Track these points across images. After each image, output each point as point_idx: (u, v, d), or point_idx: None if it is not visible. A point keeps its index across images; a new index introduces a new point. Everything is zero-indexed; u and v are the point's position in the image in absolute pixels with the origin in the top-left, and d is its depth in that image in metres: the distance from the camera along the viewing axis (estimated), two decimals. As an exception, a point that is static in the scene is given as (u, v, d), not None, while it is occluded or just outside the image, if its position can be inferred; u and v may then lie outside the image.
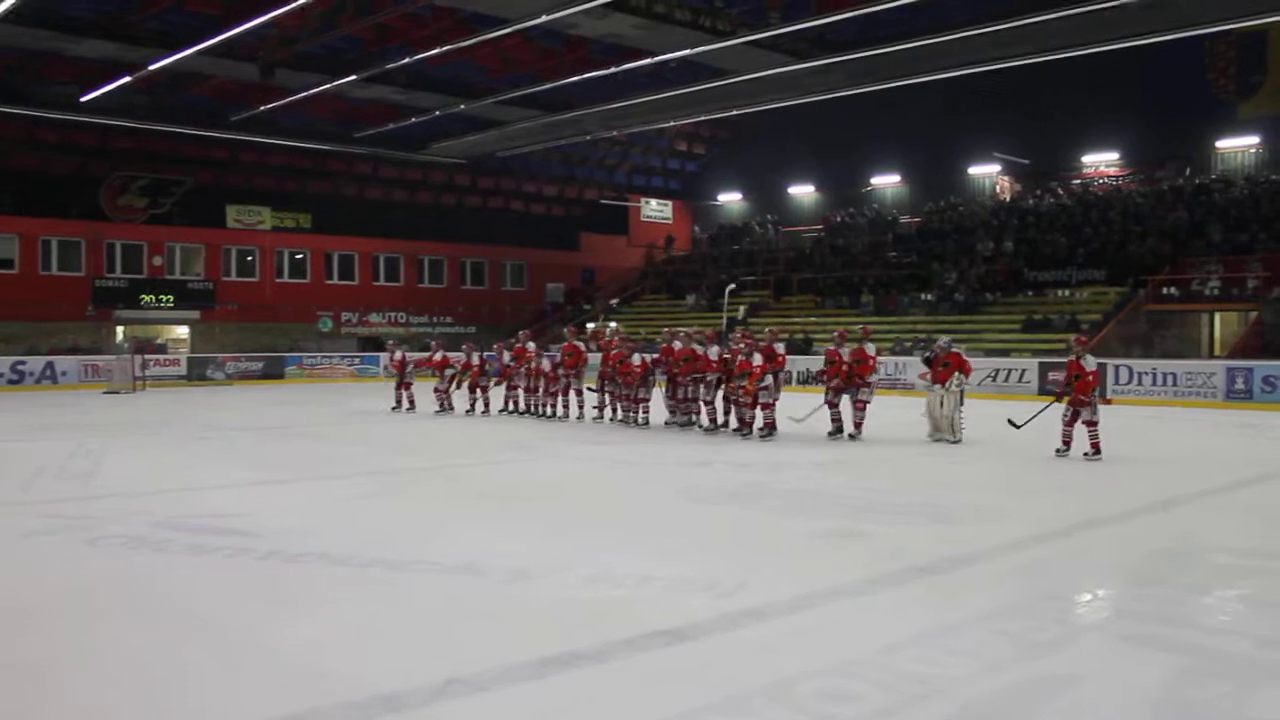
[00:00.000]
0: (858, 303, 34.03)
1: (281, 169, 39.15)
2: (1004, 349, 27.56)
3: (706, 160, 48.77)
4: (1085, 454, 13.00)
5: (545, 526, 8.96)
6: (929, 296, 32.77)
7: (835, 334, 15.92)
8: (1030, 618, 6.22)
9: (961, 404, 14.86)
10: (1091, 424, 13.07)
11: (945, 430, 14.66)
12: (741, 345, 15.45)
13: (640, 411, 17.15)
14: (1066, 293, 30.31)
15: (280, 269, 40.05)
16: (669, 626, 5.96)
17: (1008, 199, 38.16)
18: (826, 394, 15.40)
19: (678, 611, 6.26)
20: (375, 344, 37.75)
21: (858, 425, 15.02)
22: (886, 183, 42.62)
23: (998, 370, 25.42)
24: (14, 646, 5.74)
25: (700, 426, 16.27)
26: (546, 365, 18.56)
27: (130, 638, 5.89)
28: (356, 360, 35.48)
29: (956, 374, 14.76)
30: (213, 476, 11.83)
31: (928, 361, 15.26)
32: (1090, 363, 13.31)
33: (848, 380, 15.06)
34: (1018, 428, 13.85)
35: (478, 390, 19.77)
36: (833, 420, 15.29)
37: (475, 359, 20.02)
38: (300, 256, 40.45)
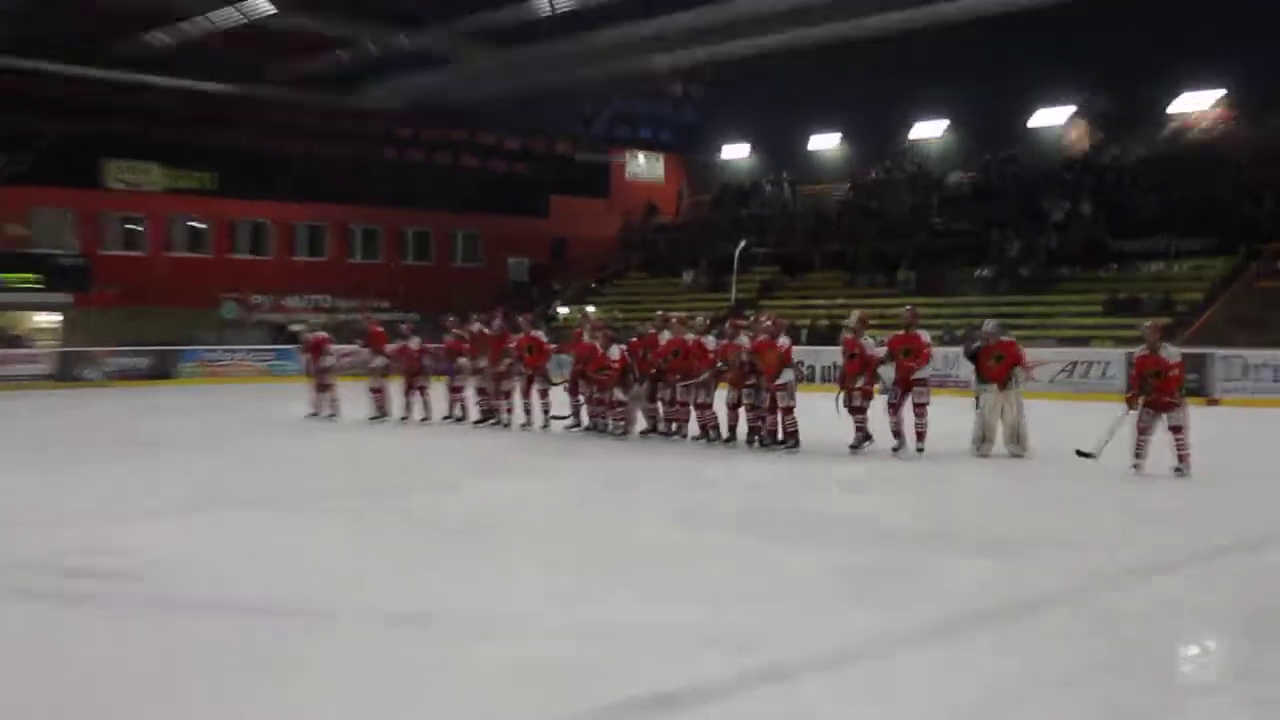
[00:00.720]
0: (895, 280, 34.02)
1: (175, 116, 38.98)
2: (1081, 337, 27.56)
3: (706, 105, 48.70)
4: (1174, 469, 12.87)
5: (511, 565, 8.86)
6: (985, 272, 32.79)
7: (856, 317, 15.59)
8: (1125, 677, 6.10)
9: (1023, 408, 14.69)
10: (1178, 430, 12.92)
11: (1010, 441, 14.48)
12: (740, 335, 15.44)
13: (615, 419, 17.06)
14: (1160, 266, 30.35)
15: (173, 240, 39.88)
16: (667, 689, 5.85)
17: (1085, 150, 38.19)
18: (842, 396, 15.17)
19: (677, 671, 6.14)
20: (293, 334, 37.50)
21: (920, 435, 14.85)
22: (931, 132, 42.63)
23: (1074, 364, 25.40)
24: None
25: (690, 437, 16.22)
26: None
27: None
28: (269, 355, 35.26)
29: (1014, 368, 14.56)
30: (84, 504, 11.67)
31: (973, 356, 14.97)
32: (1173, 354, 13.20)
33: (905, 380, 14.82)
34: (1093, 458, 13.50)
35: (415, 390, 19.70)
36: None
37: (415, 344, 19.93)
38: (199, 225, 40.29)
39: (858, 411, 14.99)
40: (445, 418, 19.36)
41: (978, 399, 14.85)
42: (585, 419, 17.61)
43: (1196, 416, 13.32)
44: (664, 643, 6.67)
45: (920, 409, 14.77)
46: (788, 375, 15.06)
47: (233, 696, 5.87)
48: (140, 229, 39.15)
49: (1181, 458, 12.87)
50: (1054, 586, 8.04)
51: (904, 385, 14.77)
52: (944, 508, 11.24)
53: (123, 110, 38.35)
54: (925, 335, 15.17)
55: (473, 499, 12.16)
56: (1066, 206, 33.90)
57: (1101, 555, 9.09)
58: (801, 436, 15.35)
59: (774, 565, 8.76)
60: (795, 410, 15.23)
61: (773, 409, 15.21)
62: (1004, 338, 14.96)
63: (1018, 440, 14.50)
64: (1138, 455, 13.00)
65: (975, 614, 7.25)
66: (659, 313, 18.85)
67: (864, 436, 15.01)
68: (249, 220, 41.14)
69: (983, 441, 14.64)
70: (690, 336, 16.20)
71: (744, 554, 9.17)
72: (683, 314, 18.24)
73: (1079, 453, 13.40)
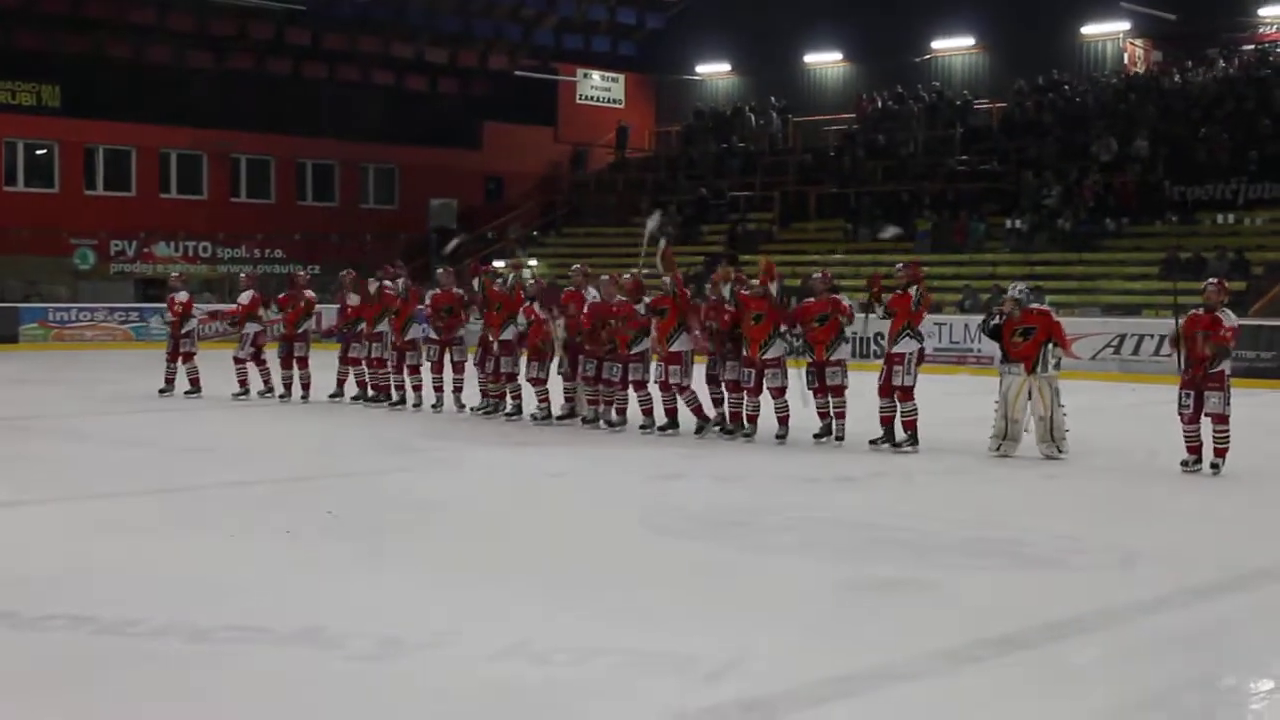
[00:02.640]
0: (910, 232, 34.10)
1: (11, 14, 38.60)
2: (1132, 305, 27.73)
3: (677, 11, 48.66)
4: (1212, 465, 13.09)
5: (431, 571, 8.91)
6: (1018, 224, 32.90)
7: (819, 275, 15.84)
8: (1185, 715, 6.21)
9: (1059, 396, 14.55)
10: (1221, 419, 13.09)
11: (1042, 440, 14.35)
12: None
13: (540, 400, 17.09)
14: (1230, 218, 30.54)
15: (11, 171, 39.48)
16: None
17: (1141, 73, 38.35)
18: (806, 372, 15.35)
19: (635, 703, 6.20)
20: (164, 289, 37.34)
21: (908, 425, 14.93)
22: (954, 48, 42.71)
23: (1122, 337, 25.56)
24: None
25: (608, 423, 16.39)
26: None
27: None
28: (133, 315, 35.04)
29: (1047, 345, 14.43)
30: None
31: (994, 332, 14.83)
32: (1230, 318, 13.30)
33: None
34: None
35: (294, 362, 19.72)
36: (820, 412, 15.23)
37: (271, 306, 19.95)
38: (43, 152, 39.93)
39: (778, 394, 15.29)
40: (333, 395, 19.43)
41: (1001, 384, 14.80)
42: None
43: (1276, 402, 13.48)
44: (611, 670, 6.71)
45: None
46: (778, 347, 15.13)
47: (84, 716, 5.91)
48: (-33, 156, 38.82)
49: (1219, 452, 13.07)
50: (1096, 605, 8.14)
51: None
52: (957, 512, 11.34)
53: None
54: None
55: (381, 494, 12.20)
56: (1116, 146, 34.02)
57: (1153, 567, 9.23)
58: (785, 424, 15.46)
59: (755, 578, 8.84)
60: (787, 392, 15.34)
61: (756, 388, 15.28)
62: (1035, 306, 14.87)
63: (1051, 438, 14.31)
64: (1189, 449, 13.19)
65: (1001, 640, 7.31)
66: (575, 266, 19.04)
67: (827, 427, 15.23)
68: (107, 147, 40.75)
69: (1004, 439, 14.48)
70: (620, 298, 16.24)
71: (715, 563, 9.24)
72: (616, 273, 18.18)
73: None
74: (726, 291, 15.63)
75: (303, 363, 19.67)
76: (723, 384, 15.66)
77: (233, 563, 9.13)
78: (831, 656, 6.96)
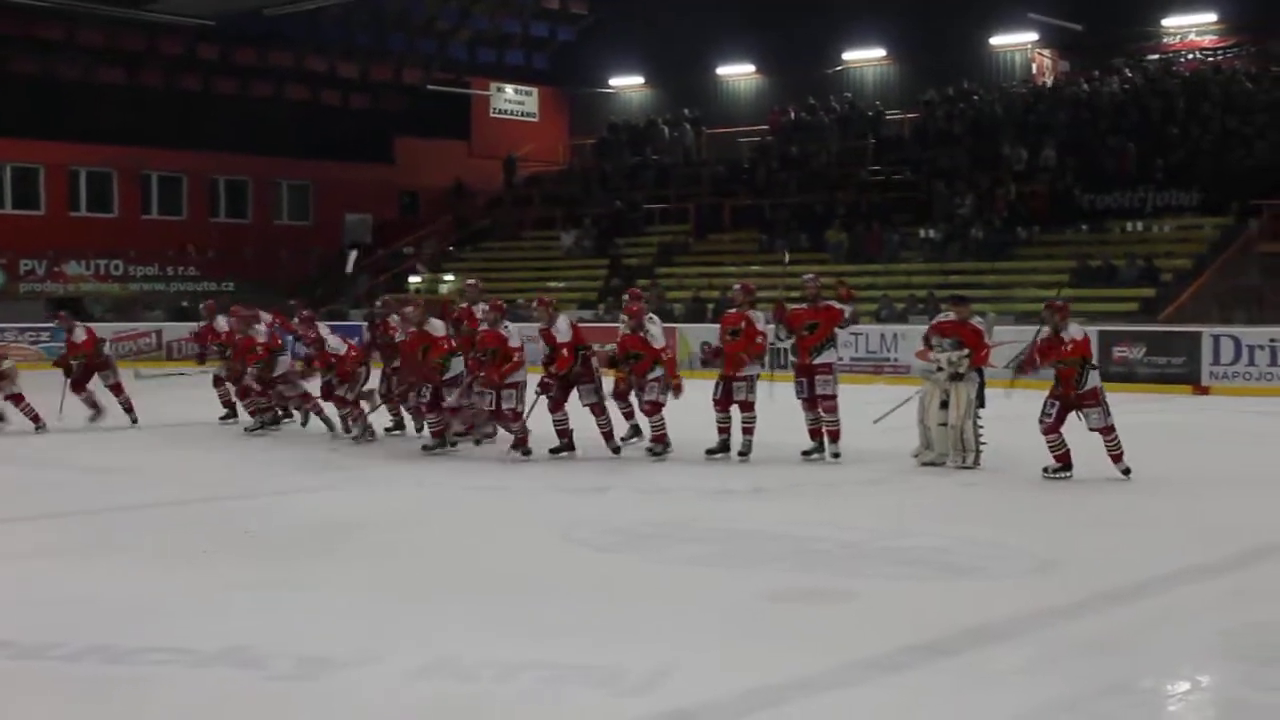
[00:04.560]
0: (823, 242, 34.24)
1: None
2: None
3: (590, 23, 48.68)
4: (1124, 471, 13.33)
5: (354, 590, 8.91)
6: (932, 233, 33.11)
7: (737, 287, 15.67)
8: (1104, 719, 6.31)
9: (979, 405, 14.58)
10: (1106, 430, 13.29)
11: (953, 446, 14.42)
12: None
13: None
14: (1139, 226, 30.86)
15: (-85, 189, 39.04)
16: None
17: (1049, 83, 38.71)
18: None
19: (562, 717, 6.26)
20: (74, 308, 36.94)
21: (833, 435, 14.98)
22: (865, 58, 42.94)
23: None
24: None
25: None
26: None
27: None
28: (43, 335, 34.63)
29: (953, 352, 14.50)
30: None
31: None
32: (1075, 334, 13.61)
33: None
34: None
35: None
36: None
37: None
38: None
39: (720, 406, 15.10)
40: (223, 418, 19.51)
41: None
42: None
43: (1185, 408, 13.67)
44: (538, 684, 6.74)
45: (828, 402, 14.91)
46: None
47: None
48: None
49: (1114, 456, 13.31)
50: (1017, 610, 8.25)
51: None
52: (878, 521, 11.41)
53: None
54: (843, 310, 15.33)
55: (299, 514, 12.19)
56: (1026, 155, 34.30)
57: (1073, 572, 9.36)
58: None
59: (679, 590, 8.89)
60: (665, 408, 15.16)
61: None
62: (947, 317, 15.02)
63: (962, 446, 14.31)
64: (1056, 458, 13.46)
65: (923, 648, 7.39)
66: (469, 282, 19.34)
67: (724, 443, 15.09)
68: (14, 165, 40.26)
69: (927, 448, 14.73)
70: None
71: (639, 576, 9.29)
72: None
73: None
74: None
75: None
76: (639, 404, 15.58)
77: (151, 584, 9.09)
78: (755, 668, 6.99)
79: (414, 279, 40.53)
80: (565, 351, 14.87)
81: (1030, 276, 30.29)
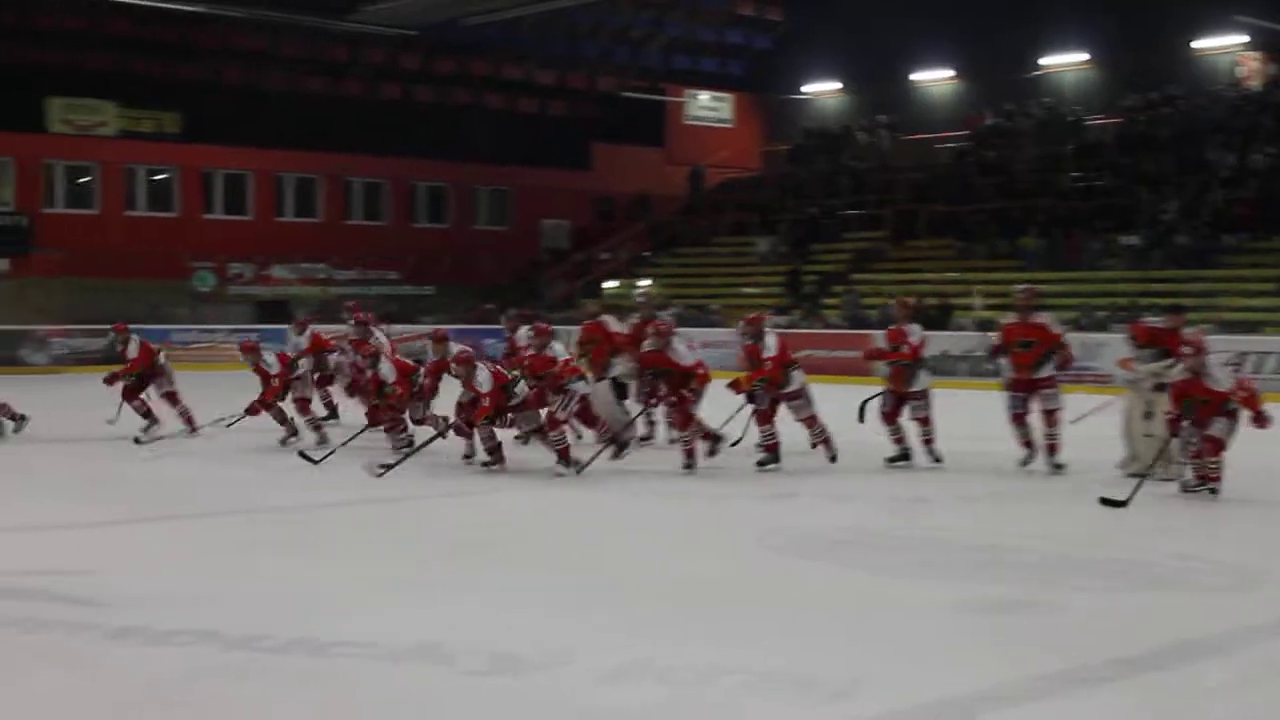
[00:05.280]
0: (1019, 249, 33.85)
1: (130, 43, 39.28)
2: (1251, 321, 27.32)
3: (785, 31, 48.54)
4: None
5: (545, 590, 8.99)
6: (1134, 240, 32.54)
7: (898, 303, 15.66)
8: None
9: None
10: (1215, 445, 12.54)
11: (1152, 459, 14.02)
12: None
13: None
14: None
15: (133, 196, 40.19)
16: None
17: (1258, 86, 37.81)
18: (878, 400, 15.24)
19: (758, 721, 6.22)
20: (283, 311, 37.75)
21: (1052, 449, 14.71)
22: (1066, 62, 42.30)
23: (1243, 355, 25.13)
24: None
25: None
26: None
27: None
28: (252, 335, 35.41)
29: (1156, 363, 14.16)
30: (28, 514, 11.85)
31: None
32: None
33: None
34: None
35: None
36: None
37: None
38: (164, 176, 40.58)
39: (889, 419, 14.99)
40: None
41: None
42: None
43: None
44: (731, 691, 6.73)
45: (1051, 416, 14.57)
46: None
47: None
48: (91, 181, 39.40)
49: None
50: (1224, 626, 8.07)
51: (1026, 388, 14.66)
52: (1087, 530, 11.22)
53: (70, 36, 38.65)
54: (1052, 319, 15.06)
55: (480, 512, 12.40)
56: (1234, 160, 33.57)
57: (1276, 590, 9.16)
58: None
59: (875, 599, 8.82)
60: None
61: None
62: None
63: (1166, 458, 14.05)
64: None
65: (1122, 662, 7.27)
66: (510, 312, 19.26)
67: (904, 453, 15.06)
68: (225, 171, 41.34)
69: (1135, 459, 14.33)
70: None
71: (833, 584, 9.24)
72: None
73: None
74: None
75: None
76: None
77: (344, 580, 9.29)
78: (950, 679, 6.92)
79: (610, 284, 40.80)
80: (769, 364, 14.79)
81: (1237, 285, 29.61)
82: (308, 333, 19.18)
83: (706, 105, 49.05)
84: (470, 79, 45.77)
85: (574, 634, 7.74)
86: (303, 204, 42.80)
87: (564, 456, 14.17)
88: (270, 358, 17.31)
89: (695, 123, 48.78)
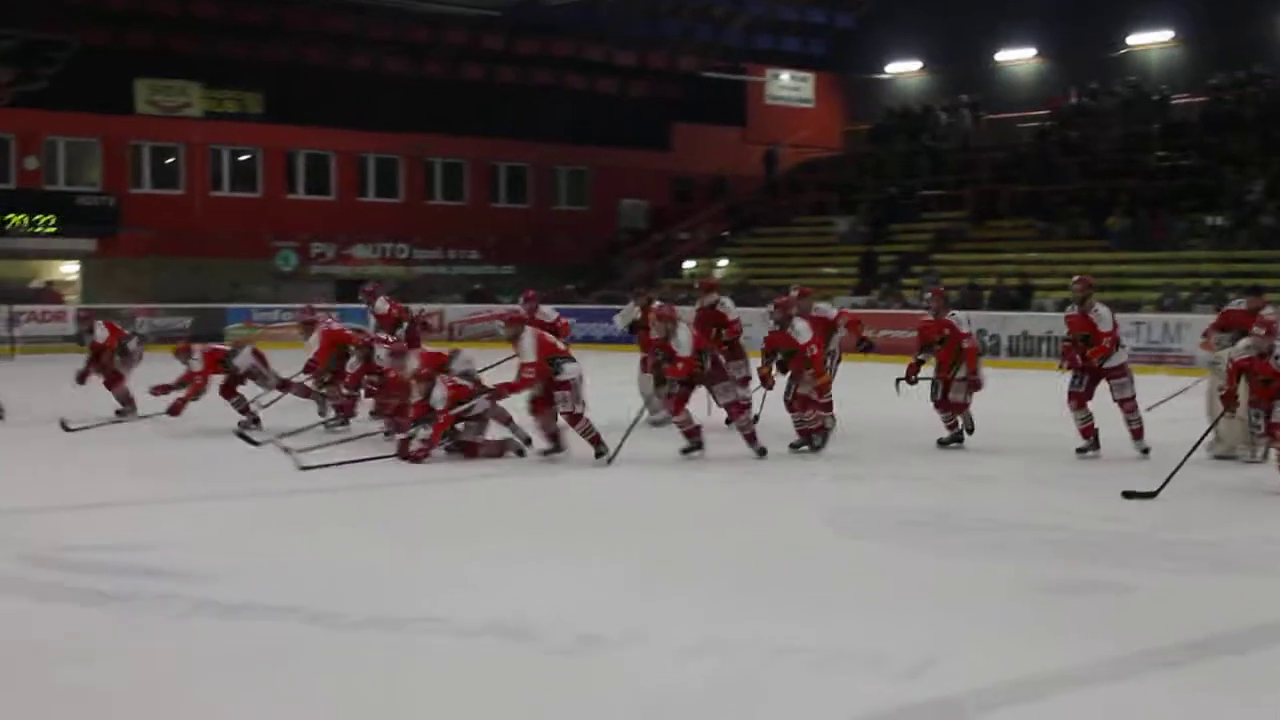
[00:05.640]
0: (1103, 229, 33.58)
1: (216, 24, 39.65)
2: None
3: (868, 11, 48.30)
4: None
5: (622, 568, 9.06)
6: (1218, 220, 32.20)
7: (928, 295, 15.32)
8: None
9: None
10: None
11: (1239, 439, 13.91)
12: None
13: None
14: None
15: (218, 176, 40.59)
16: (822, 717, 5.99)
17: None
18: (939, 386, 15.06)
19: (828, 700, 6.26)
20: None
21: (1136, 434, 14.55)
22: (1151, 41, 41.85)
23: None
24: None
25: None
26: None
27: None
28: (333, 314, 35.69)
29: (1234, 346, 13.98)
30: (116, 490, 12.07)
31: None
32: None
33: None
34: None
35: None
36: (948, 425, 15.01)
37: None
38: (247, 157, 40.96)
39: (957, 408, 14.93)
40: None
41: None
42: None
43: None
44: (805, 667, 6.78)
45: (1128, 403, 14.34)
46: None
47: (292, 708, 6.09)
48: (176, 161, 39.81)
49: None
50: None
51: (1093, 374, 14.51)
52: (1159, 512, 11.11)
53: (154, 19, 39.01)
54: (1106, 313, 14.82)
55: (546, 486, 12.59)
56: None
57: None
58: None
59: (945, 579, 8.85)
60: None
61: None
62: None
63: (1249, 441, 13.66)
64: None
65: (1191, 645, 7.25)
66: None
67: (956, 435, 15.03)
68: (306, 151, 41.67)
69: (1216, 441, 14.17)
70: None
71: (904, 563, 9.25)
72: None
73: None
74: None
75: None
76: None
77: (419, 557, 9.45)
78: (1023, 658, 6.92)
79: (689, 264, 40.83)
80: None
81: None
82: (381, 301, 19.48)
83: (788, 85, 48.82)
84: (551, 59, 45.83)
85: (646, 613, 7.80)
86: (384, 184, 43.04)
87: (598, 443, 13.76)
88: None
89: (776, 102, 48.54)
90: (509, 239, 42.60)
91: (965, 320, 15.37)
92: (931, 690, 6.39)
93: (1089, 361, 14.07)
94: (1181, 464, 11.64)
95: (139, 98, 39.00)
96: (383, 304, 19.80)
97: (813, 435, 14.50)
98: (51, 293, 36.58)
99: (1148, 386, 14.77)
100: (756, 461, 13.83)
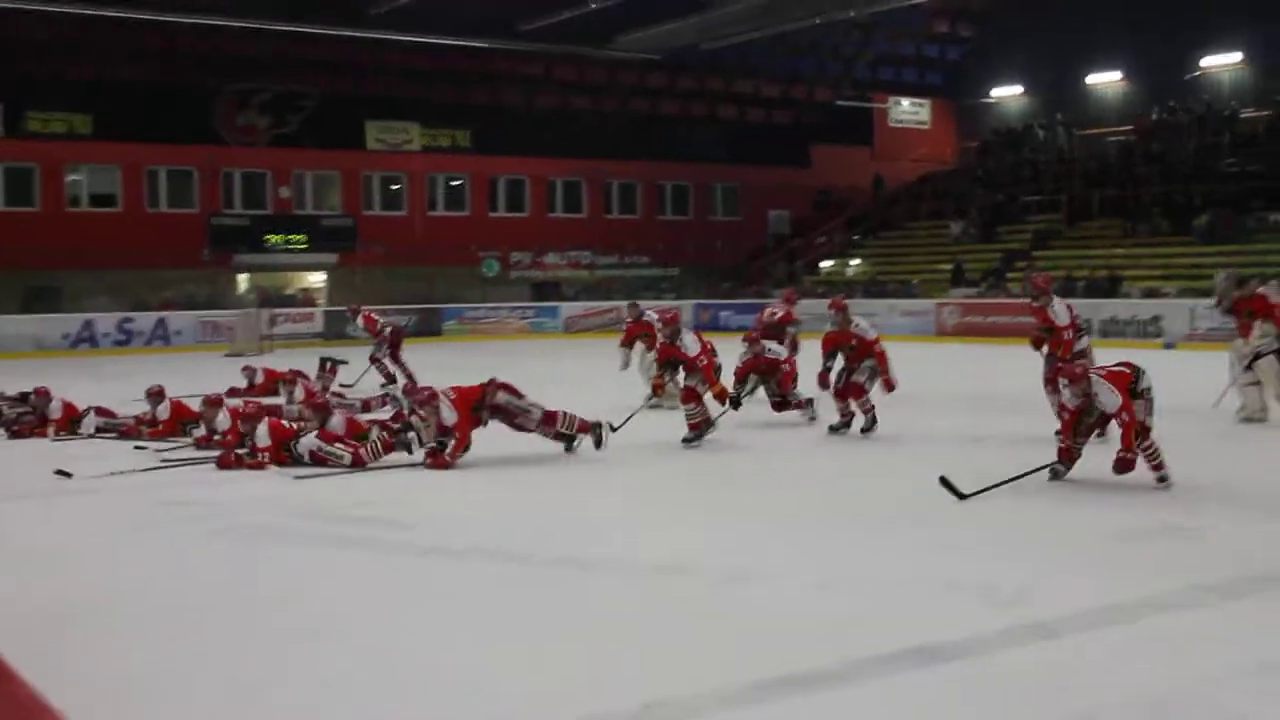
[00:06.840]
0: (1182, 227, 32.82)
1: (431, 74, 40.25)
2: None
3: (975, 44, 47.63)
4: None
5: (760, 518, 9.17)
6: (1280, 217, 31.36)
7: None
8: None
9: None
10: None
11: (1255, 408, 13.57)
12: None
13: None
14: None
15: (433, 199, 41.24)
16: (927, 642, 6.01)
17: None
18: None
19: (939, 623, 6.31)
20: (554, 291, 38.64)
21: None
22: (1222, 63, 40.71)
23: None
24: (125, 651, 6.22)
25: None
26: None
27: (266, 647, 6.30)
28: (530, 312, 36.31)
29: (1260, 324, 13.46)
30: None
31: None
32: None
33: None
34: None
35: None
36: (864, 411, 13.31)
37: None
38: (457, 183, 41.53)
39: (855, 392, 13.24)
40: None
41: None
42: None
43: None
44: (923, 596, 6.85)
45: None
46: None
47: (495, 628, 6.32)
48: (400, 188, 40.53)
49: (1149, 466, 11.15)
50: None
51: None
52: (1229, 467, 10.92)
53: (382, 70, 39.66)
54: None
55: (704, 451, 12.45)
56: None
57: None
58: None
59: (1044, 523, 8.80)
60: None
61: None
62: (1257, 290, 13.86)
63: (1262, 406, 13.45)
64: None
65: (1249, 579, 7.17)
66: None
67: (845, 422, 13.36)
68: (506, 177, 42.14)
69: (1241, 408, 13.69)
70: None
71: (1012, 510, 9.18)
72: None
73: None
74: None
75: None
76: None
77: (601, 511, 9.67)
78: (1109, 589, 6.91)
79: (825, 264, 40.67)
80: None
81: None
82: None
83: (908, 110, 48.37)
84: (707, 93, 45.89)
85: (786, 553, 7.92)
86: (570, 202, 43.39)
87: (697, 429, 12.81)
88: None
89: (898, 125, 48.13)
90: (674, 246, 42.74)
91: (870, 328, 13.59)
92: (1028, 615, 6.42)
93: (1055, 351, 12.52)
94: (1013, 479, 9.90)
95: (369, 136, 39.76)
96: (361, 321, 20.41)
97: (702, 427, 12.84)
98: (305, 298, 37.54)
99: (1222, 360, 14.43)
100: (860, 438, 13.03)
